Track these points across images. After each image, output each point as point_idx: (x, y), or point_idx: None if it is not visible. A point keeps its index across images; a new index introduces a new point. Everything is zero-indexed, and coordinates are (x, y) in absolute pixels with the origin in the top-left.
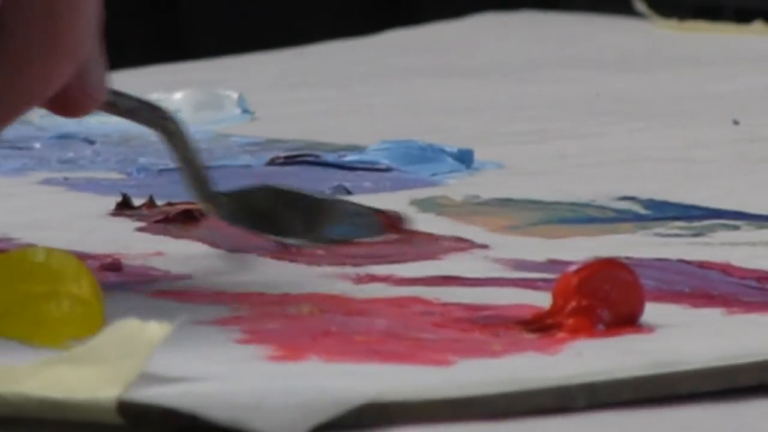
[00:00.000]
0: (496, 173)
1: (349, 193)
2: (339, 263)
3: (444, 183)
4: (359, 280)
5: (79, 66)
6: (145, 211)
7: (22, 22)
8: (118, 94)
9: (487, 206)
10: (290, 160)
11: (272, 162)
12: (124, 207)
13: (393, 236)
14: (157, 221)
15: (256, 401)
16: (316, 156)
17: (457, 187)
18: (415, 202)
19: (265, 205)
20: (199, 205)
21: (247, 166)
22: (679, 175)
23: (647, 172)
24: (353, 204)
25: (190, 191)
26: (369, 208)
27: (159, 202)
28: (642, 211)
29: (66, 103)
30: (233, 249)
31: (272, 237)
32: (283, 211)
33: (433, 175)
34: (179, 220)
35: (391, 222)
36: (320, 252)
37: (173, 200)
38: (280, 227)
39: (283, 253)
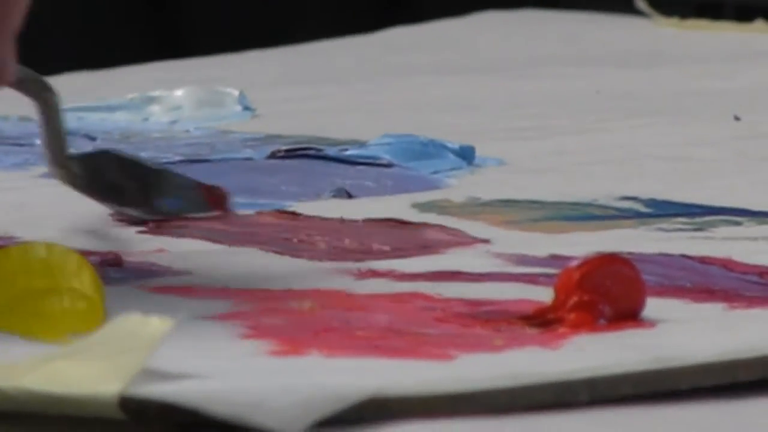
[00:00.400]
0: (497, 170)
1: (350, 195)
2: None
3: (445, 180)
4: (361, 275)
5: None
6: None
7: None
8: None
9: (488, 206)
10: (291, 154)
11: (273, 155)
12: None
13: (216, 212)
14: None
15: (257, 397)
16: (318, 149)
17: (458, 187)
18: (416, 205)
19: (109, 173)
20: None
21: (249, 159)
22: (680, 172)
23: (648, 169)
24: (182, 177)
25: (47, 158)
26: (196, 183)
27: None
28: (643, 209)
29: None
30: (234, 244)
31: (117, 207)
32: (123, 179)
33: (435, 171)
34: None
35: (215, 198)
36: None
37: None
38: (122, 197)
39: (122, 221)
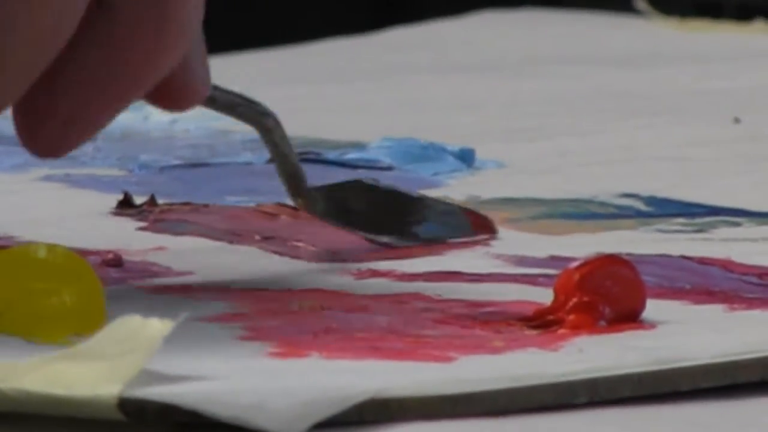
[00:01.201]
0: (496, 173)
1: None
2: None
3: (445, 182)
4: (360, 275)
5: (185, 55)
6: (146, 210)
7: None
8: (217, 88)
9: (488, 204)
10: None
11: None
12: (126, 205)
13: (483, 236)
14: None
15: (257, 398)
16: (318, 154)
17: (458, 187)
18: None
19: (357, 201)
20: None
21: (248, 164)
22: (680, 173)
23: (648, 170)
24: (443, 203)
25: (285, 188)
26: (459, 207)
27: (160, 201)
28: (643, 207)
29: (169, 95)
30: (232, 241)
31: (365, 235)
32: (374, 208)
33: (435, 174)
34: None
35: (480, 222)
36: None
37: (174, 199)
38: (371, 225)
39: (378, 252)
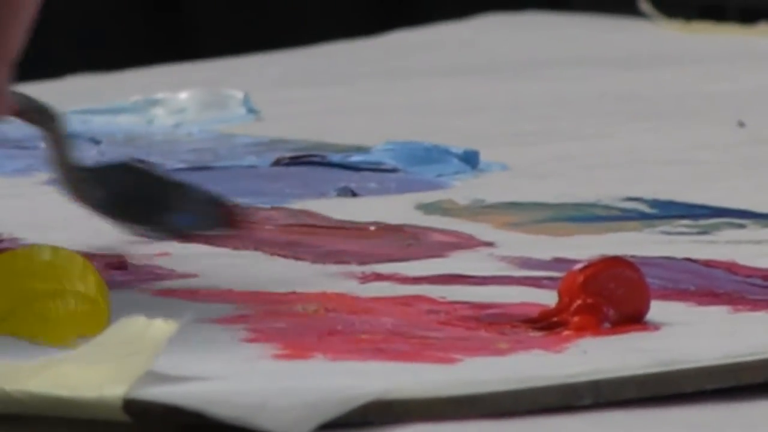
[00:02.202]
0: (500, 175)
1: (354, 194)
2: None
3: (449, 184)
4: (365, 278)
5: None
6: None
7: None
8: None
9: (492, 208)
10: (295, 161)
11: (277, 162)
12: None
13: (230, 230)
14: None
15: (261, 399)
16: (322, 156)
17: (462, 189)
18: (420, 206)
19: (121, 187)
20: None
21: (252, 167)
22: (684, 176)
23: (652, 173)
24: (200, 192)
25: (58, 180)
26: (212, 198)
27: None
28: (648, 210)
29: None
30: (238, 247)
31: (126, 224)
32: (137, 194)
33: (439, 176)
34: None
35: (230, 216)
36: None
37: None
38: (132, 212)
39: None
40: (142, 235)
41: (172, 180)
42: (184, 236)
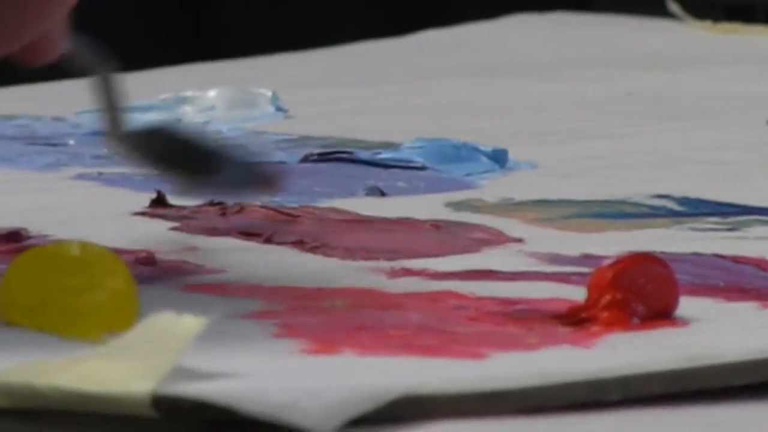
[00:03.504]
0: (529, 173)
1: (383, 194)
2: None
3: (478, 183)
4: (394, 273)
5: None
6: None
7: None
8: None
9: (521, 205)
10: (324, 157)
11: (306, 159)
12: (159, 204)
13: (267, 192)
14: None
15: (290, 395)
16: (350, 153)
17: (491, 188)
18: (449, 204)
19: (162, 148)
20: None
21: (281, 163)
22: (711, 175)
23: (679, 172)
24: (238, 154)
25: (104, 131)
26: (250, 161)
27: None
28: (676, 207)
29: (37, 48)
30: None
31: (170, 180)
32: (176, 155)
33: (467, 174)
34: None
35: (267, 178)
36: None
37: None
38: (172, 171)
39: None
40: (188, 191)
41: (212, 141)
42: (230, 193)
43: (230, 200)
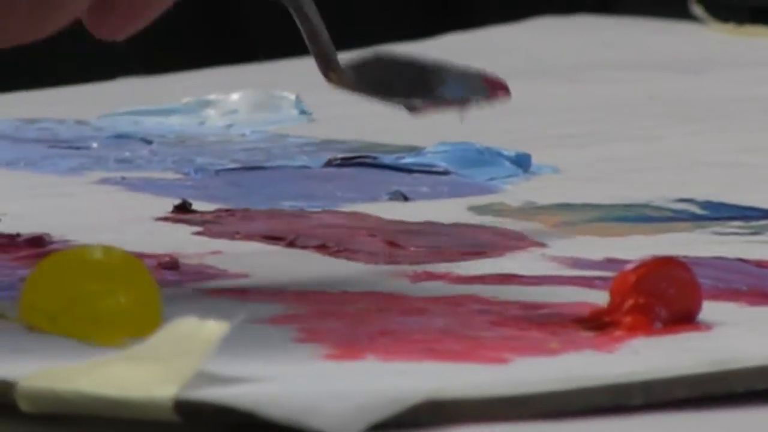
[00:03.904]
0: (552, 178)
1: (406, 199)
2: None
3: (501, 188)
4: (416, 278)
5: None
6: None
7: None
8: None
9: (544, 210)
10: (347, 162)
11: (329, 163)
12: (182, 209)
13: (499, 99)
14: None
15: (312, 400)
16: (374, 158)
17: (514, 192)
18: (472, 208)
19: (380, 73)
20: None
21: (304, 167)
22: (734, 179)
23: (702, 175)
24: (462, 67)
25: (317, 63)
26: (476, 71)
27: (215, 205)
28: (699, 211)
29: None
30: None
31: (393, 101)
32: (396, 77)
33: (491, 179)
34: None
35: (495, 85)
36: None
37: (229, 202)
38: (396, 93)
39: (415, 112)
40: (414, 109)
41: (431, 60)
42: (455, 106)
43: (457, 113)
